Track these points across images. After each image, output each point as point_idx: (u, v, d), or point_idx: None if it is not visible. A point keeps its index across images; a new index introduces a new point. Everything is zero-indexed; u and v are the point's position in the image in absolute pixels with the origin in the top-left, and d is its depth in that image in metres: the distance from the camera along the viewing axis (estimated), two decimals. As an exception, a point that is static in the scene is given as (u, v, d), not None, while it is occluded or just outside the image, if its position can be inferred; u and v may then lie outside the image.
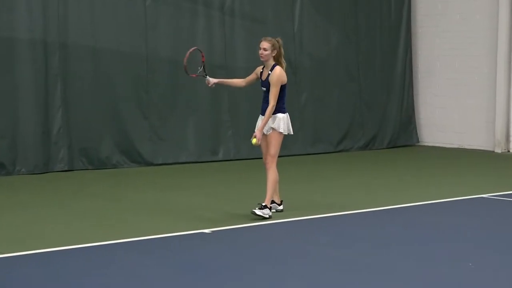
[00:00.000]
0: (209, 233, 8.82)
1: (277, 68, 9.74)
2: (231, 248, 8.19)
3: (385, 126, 18.67)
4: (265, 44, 9.76)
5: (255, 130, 9.73)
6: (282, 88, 9.72)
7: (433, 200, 11.13)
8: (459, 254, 7.97)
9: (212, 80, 10.37)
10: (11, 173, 13.73)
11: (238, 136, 16.15)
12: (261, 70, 9.93)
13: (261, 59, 9.82)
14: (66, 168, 14.24)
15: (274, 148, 9.76)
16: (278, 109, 9.73)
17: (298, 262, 7.56)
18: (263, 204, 9.63)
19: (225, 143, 16.07)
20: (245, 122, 15.95)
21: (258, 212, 9.53)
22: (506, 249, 8.23)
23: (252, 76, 10.12)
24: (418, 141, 19.17)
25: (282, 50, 9.87)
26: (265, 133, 9.78)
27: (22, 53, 13.91)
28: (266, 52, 9.75)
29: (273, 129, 9.75)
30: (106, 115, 14.78)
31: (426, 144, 19.09)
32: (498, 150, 17.80)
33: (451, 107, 18.73)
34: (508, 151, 17.79)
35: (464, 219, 9.96)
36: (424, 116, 19.24)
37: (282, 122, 9.75)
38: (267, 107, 9.69)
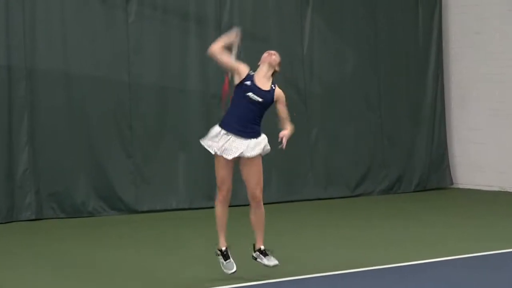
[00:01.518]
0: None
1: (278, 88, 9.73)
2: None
3: (413, 165, 18.40)
4: (278, 55, 9.78)
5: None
6: None
7: (471, 253, 10.91)
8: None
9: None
10: (-31, 222, 13.59)
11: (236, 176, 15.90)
12: (251, 73, 9.61)
13: (267, 61, 9.73)
14: (33, 217, 14.13)
15: (261, 177, 9.53)
16: (259, 131, 9.50)
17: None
18: (264, 249, 9.50)
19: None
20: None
21: (271, 263, 9.49)
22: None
23: (236, 65, 9.68)
24: (452, 183, 18.91)
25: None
26: (239, 155, 9.39)
27: (-20, 81, 13.82)
28: (278, 60, 9.73)
29: (257, 154, 9.44)
30: (81, 153, 14.69)
31: (461, 186, 18.85)
32: (547, 194, 17.63)
33: (491, 143, 18.48)
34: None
35: (503, 275, 9.69)
36: (458, 154, 19.01)
37: (267, 146, 9.56)
38: (251, 129, 9.41)
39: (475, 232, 13.04)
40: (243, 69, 9.61)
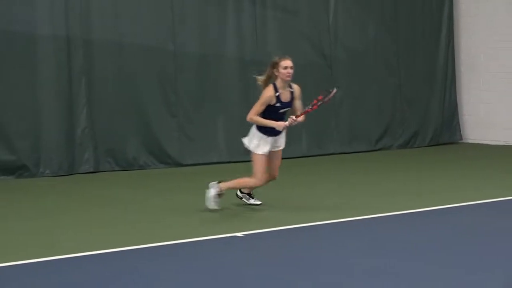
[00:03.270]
0: (241, 236, 8.58)
1: (293, 84, 9.89)
2: (260, 253, 7.92)
3: (427, 123, 18.31)
4: (291, 63, 9.73)
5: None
6: None
7: (482, 200, 10.81)
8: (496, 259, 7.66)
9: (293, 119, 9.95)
10: (35, 175, 13.66)
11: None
12: (277, 94, 9.74)
13: (287, 78, 9.70)
14: (91, 170, 14.11)
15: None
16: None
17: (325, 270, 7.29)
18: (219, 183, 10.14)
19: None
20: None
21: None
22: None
23: (262, 109, 9.80)
24: (461, 139, 18.79)
25: None
26: (271, 149, 9.98)
27: (44, 50, 13.80)
28: (292, 71, 9.73)
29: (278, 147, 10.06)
30: (132, 114, 14.65)
31: (470, 141, 18.72)
32: (546, 147, 17.45)
33: (497, 102, 18.32)
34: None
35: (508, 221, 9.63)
36: (468, 112, 18.86)
37: None
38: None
39: (481, 181, 12.94)
40: (270, 98, 9.75)
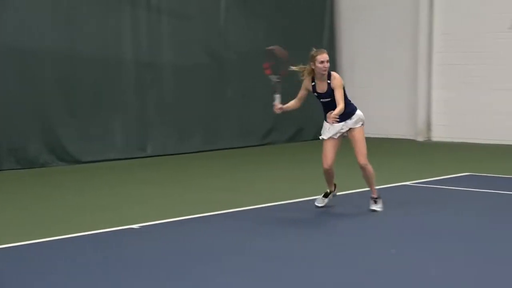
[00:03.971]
0: (138, 228, 8.75)
1: (334, 73, 9.61)
2: (158, 243, 8.13)
3: (310, 119, 18.72)
4: (327, 57, 9.45)
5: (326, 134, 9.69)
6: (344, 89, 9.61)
7: (359, 189, 11.13)
8: (384, 241, 8.06)
9: (279, 106, 10.00)
10: None
11: (166, 132, 16.12)
12: (313, 84, 9.62)
13: (323, 72, 9.43)
14: (-5, 168, 14.03)
15: (364, 144, 9.59)
16: (353, 108, 9.65)
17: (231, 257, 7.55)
18: (375, 196, 9.73)
19: (152, 139, 15.97)
20: (172, 118, 16.02)
21: (377, 208, 9.70)
22: (433, 233, 8.37)
23: (303, 93, 9.84)
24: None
25: None
26: (334, 137, 9.61)
27: None
28: (328, 64, 9.46)
29: (352, 128, 9.57)
30: (35, 115, 14.53)
31: (351, 135, 19.25)
32: (420, 139, 18.12)
33: (374, 98, 18.94)
34: (429, 139, 18.09)
35: (388, 206, 10.04)
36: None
37: (362, 118, 9.70)
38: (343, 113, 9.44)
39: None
40: (307, 86, 9.75)
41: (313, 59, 9.49)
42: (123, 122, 15.63)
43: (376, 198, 9.71)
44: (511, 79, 17.14)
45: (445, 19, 17.92)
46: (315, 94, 9.63)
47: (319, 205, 9.89)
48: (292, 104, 10.05)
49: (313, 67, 9.51)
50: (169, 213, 9.61)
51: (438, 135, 18.01)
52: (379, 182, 11.57)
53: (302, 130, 18.59)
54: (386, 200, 9.89)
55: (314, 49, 9.55)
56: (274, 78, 10.05)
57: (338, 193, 10.12)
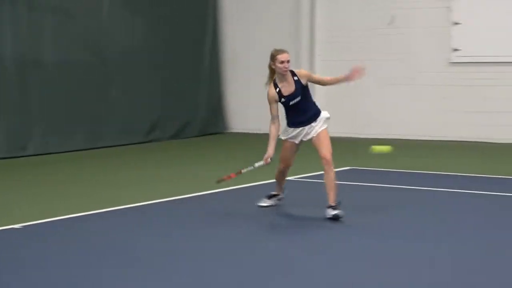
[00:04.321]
0: (19, 228, 8.55)
1: (297, 70, 9.16)
2: (41, 243, 7.97)
3: (195, 115, 18.75)
4: (289, 57, 8.98)
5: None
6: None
7: (241, 185, 11.15)
8: (258, 235, 8.11)
9: (267, 160, 9.21)
10: None
11: (48, 130, 15.81)
12: (277, 90, 9.03)
13: (284, 72, 8.91)
14: None
15: (330, 143, 9.16)
16: (318, 110, 9.14)
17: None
18: (333, 204, 8.88)
19: (34, 138, 15.62)
20: (54, 115, 15.74)
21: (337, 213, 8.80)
22: (305, 226, 8.46)
23: (274, 107, 9.08)
24: (227, 129, 19.38)
25: None
26: (296, 141, 9.20)
27: None
28: (289, 65, 8.96)
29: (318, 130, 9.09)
30: None
31: (235, 131, 19.33)
32: (303, 134, 18.31)
33: (258, 95, 19.02)
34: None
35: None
36: (232, 104, 19.47)
37: (327, 117, 9.21)
38: (309, 116, 9.05)
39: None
40: (272, 97, 9.10)
41: (273, 58, 8.96)
42: (3, 121, 15.20)
43: (335, 206, 8.84)
44: (393, 74, 17.51)
45: (327, 15, 18.16)
46: (283, 100, 8.98)
47: (264, 204, 9.52)
48: (274, 134, 9.14)
49: (273, 66, 9.01)
50: (51, 212, 9.42)
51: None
52: (265, 178, 11.69)
53: (186, 126, 18.53)
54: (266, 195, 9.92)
55: (274, 49, 9.04)
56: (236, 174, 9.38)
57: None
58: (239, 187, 11.08)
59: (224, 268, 6.89)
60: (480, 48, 16.58)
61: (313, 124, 9.05)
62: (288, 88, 8.98)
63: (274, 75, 9.06)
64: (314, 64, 18.33)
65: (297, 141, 9.18)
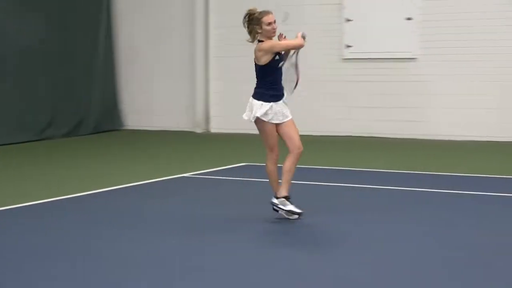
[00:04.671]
0: None
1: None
2: None
3: (90, 113, 18.52)
4: (274, 17, 8.47)
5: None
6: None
7: (136, 182, 11.13)
8: (164, 231, 8.08)
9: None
10: None
11: None
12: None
13: (273, 34, 8.43)
14: None
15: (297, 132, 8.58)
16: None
17: None
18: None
19: None
20: None
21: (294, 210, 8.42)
22: (198, 224, 8.48)
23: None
24: (122, 126, 19.23)
25: None
26: (276, 122, 8.49)
27: None
28: (276, 25, 8.45)
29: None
30: None
31: (130, 128, 19.19)
32: (198, 131, 18.31)
33: (153, 91, 19.00)
34: (208, 131, 18.33)
35: (167, 198, 10.09)
36: (128, 101, 19.33)
37: None
38: (282, 90, 8.48)
39: (140, 164, 13.32)
40: (272, 48, 8.43)
41: (258, 22, 8.38)
42: None
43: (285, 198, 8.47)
44: (307, 69, 17.64)
45: (221, 11, 18.19)
46: (277, 57, 8.36)
47: (298, 210, 8.48)
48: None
49: (259, 31, 8.39)
50: None
51: (217, 126, 18.28)
52: (157, 175, 11.65)
53: (81, 124, 18.28)
54: (165, 192, 9.89)
55: (257, 12, 8.46)
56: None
57: None
58: (129, 185, 10.99)
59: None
60: (371, 45, 16.88)
61: (282, 102, 8.47)
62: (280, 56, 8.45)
63: (256, 36, 8.44)
64: (208, 60, 18.33)
65: (274, 122, 8.46)
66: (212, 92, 18.47)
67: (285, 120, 8.49)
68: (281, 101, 8.46)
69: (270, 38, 8.39)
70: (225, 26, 18.10)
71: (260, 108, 8.40)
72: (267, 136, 8.51)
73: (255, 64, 8.51)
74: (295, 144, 8.51)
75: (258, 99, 8.46)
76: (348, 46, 17.10)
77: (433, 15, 16.32)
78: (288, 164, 8.51)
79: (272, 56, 8.36)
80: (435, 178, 11.56)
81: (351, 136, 17.03)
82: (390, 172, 12.14)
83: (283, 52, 8.45)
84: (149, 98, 19.03)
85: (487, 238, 7.75)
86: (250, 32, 8.48)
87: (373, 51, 16.85)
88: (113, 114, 19.06)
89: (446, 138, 16.16)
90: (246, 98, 18.32)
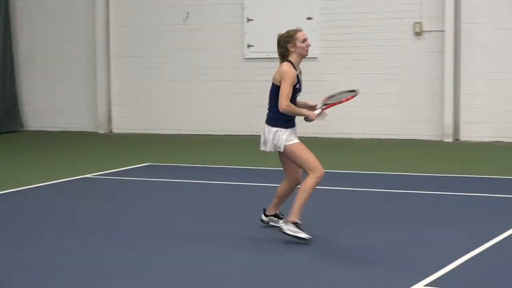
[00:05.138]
0: None
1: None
2: None
3: (10, 109, 18.17)
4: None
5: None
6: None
7: (36, 184, 10.97)
8: (60, 234, 8.00)
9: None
10: None
11: None
12: (296, 73, 7.68)
13: (306, 53, 7.72)
14: None
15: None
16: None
17: None
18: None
19: None
20: None
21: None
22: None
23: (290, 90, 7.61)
24: (22, 127, 18.87)
25: None
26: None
27: None
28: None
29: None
30: None
31: (31, 129, 18.86)
32: (101, 131, 18.13)
33: (55, 92, 18.72)
34: (111, 131, 18.16)
35: (69, 199, 9.99)
36: (28, 102, 18.99)
37: None
38: None
39: (41, 166, 13.15)
40: (293, 78, 7.61)
41: (291, 39, 7.71)
42: None
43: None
44: (189, 71, 17.61)
45: (121, 11, 18.03)
46: (297, 86, 7.66)
47: (303, 236, 7.50)
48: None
49: (291, 49, 7.70)
50: None
51: (119, 127, 18.13)
52: (58, 176, 11.50)
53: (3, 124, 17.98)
54: (66, 193, 9.78)
55: (289, 30, 7.82)
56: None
57: None
58: (29, 187, 10.83)
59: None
60: (273, 44, 16.94)
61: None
62: (300, 76, 7.81)
63: (287, 56, 7.74)
64: (110, 60, 18.15)
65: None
66: (114, 92, 18.30)
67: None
68: (294, 127, 7.78)
69: (303, 56, 7.71)
70: (126, 25, 17.96)
71: (282, 135, 7.62)
72: (304, 153, 7.62)
73: (273, 84, 7.76)
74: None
75: (273, 125, 7.67)
76: (250, 46, 17.19)
77: (333, 15, 16.54)
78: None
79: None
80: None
81: (254, 135, 17.10)
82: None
83: (301, 82, 7.74)
84: (51, 98, 18.73)
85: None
86: (281, 54, 7.79)
87: (274, 51, 16.80)
88: (13, 115, 18.67)
89: (347, 136, 16.36)
90: (148, 97, 18.26)
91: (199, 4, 17.36)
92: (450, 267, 6.64)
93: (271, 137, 7.62)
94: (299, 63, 7.71)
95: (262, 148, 7.74)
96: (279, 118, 7.61)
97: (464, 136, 15.77)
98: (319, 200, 8.66)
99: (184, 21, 17.55)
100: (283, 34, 7.77)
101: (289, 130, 7.64)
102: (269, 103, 7.72)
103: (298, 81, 7.63)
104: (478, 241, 7.45)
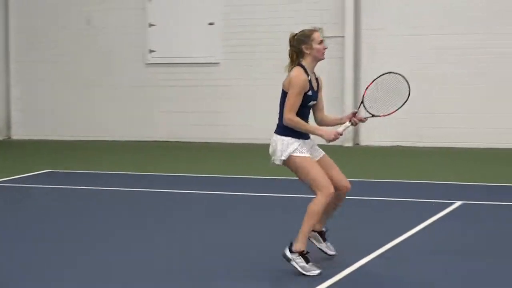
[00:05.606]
0: None
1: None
2: None
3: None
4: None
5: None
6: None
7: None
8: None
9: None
10: None
11: None
12: (308, 78, 6.73)
13: (322, 56, 6.81)
14: None
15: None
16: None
17: None
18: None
19: None
20: None
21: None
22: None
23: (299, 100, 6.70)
24: None
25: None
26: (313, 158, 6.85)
27: None
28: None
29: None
30: None
31: None
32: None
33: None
34: (9, 137, 17.80)
35: None
36: None
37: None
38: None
39: None
40: (305, 83, 6.66)
41: (308, 39, 6.75)
42: None
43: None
44: (91, 76, 17.39)
45: (21, 15, 17.64)
46: (310, 93, 6.74)
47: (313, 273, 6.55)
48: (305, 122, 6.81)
49: (306, 51, 6.77)
50: None
51: (18, 133, 17.78)
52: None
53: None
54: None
55: (304, 29, 6.84)
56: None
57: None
58: None
59: None
60: (174, 49, 16.93)
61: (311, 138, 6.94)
62: (314, 82, 6.87)
63: (296, 60, 6.84)
64: (9, 65, 17.79)
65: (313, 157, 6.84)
66: (13, 97, 17.93)
67: (321, 155, 6.93)
68: (309, 140, 6.89)
69: (318, 60, 6.80)
70: (26, 30, 17.60)
71: (291, 144, 6.73)
72: (312, 169, 6.69)
73: (282, 90, 6.85)
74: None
75: (282, 134, 6.80)
76: (152, 51, 17.08)
77: (234, 20, 16.56)
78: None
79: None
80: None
81: (155, 141, 16.98)
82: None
83: (315, 89, 6.83)
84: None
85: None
86: (293, 56, 6.82)
87: (176, 56, 16.90)
88: None
89: (249, 142, 16.29)
90: (48, 103, 17.95)
91: (100, 9, 17.18)
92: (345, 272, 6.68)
93: (278, 147, 6.74)
94: (313, 68, 6.80)
95: (272, 161, 6.83)
96: (288, 128, 6.75)
97: (364, 141, 16.01)
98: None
99: (87, 25, 17.29)
100: (296, 33, 6.80)
101: (300, 141, 6.71)
102: (279, 111, 6.83)
103: (311, 87, 6.73)
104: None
